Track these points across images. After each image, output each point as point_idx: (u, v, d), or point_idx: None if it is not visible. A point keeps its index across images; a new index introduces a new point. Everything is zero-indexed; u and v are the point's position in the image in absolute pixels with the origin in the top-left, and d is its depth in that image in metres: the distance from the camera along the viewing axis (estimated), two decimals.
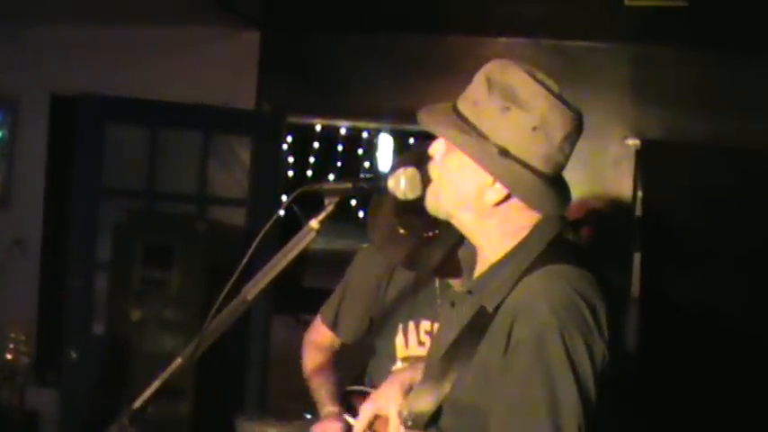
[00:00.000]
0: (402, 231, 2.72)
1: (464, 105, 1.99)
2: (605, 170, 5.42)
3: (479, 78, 1.99)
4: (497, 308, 1.92)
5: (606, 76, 5.45)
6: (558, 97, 1.94)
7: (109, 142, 5.55)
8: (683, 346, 5.15)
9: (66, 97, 5.77)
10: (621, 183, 5.40)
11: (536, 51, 5.42)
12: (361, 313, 3.12)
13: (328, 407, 2.94)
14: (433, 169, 2.06)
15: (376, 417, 2.31)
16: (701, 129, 5.28)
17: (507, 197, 1.97)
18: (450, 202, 2.03)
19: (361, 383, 3.07)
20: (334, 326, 3.16)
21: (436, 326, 2.82)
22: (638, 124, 5.42)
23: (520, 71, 1.96)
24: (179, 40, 5.76)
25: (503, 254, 2.00)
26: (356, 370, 3.18)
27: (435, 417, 2.01)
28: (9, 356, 5.19)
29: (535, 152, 1.93)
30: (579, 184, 5.20)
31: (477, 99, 1.97)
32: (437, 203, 2.06)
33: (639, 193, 5.35)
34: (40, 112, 5.97)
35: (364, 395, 2.67)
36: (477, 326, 1.95)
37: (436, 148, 2.05)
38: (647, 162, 5.36)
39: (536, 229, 2.00)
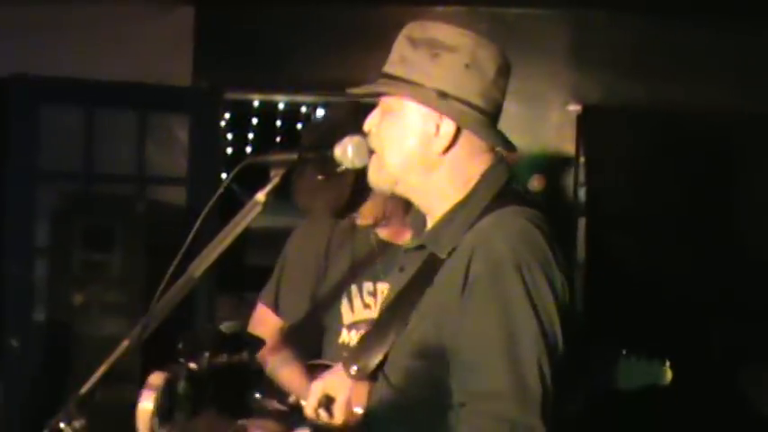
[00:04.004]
0: (320, 177, 2.72)
1: (391, 68, 2.01)
2: (547, 136, 5.43)
3: (400, 40, 2.01)
4: (450, 254, 1.94)
5: (544, 42, 5.45)
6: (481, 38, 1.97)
7: (43, 124, 5.44)
8: (626, 308, 5.19)
9: None
10: (564, 149, 5.42)
11: (473, 19, 5.37)
12: (302, 291, 3.10)
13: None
14: (373, 140, 2.06)
15: (326, 396, 2.27)
16: (642, 92, 5.31)
17: (453, 143, 1.98)
18: (396, 165, 2.02)
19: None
20: (276, 308, 3.12)
21: (379, 286, 2.92)
22: (579, 90, 5.42)
23: (438, 23, 1.99)
24: (112, 18, 5.62)
25: (452, 204, 2.01)
26: (311, 352, 3.15)
27: (382, 365, 2.02)
28: None
29: (472, 89, 1.95)
30: (521, 150, 5.19)
31: (403, 56, 1.98)
32: (381, 173, 2.06)
33: (582, 159, 5.37)
34: None
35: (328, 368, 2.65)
36: (426, 272, 1.97)
37: (371, 122, 2.06)
38: (589, 127, 5.37)
39: (484, 179, 2.01)
